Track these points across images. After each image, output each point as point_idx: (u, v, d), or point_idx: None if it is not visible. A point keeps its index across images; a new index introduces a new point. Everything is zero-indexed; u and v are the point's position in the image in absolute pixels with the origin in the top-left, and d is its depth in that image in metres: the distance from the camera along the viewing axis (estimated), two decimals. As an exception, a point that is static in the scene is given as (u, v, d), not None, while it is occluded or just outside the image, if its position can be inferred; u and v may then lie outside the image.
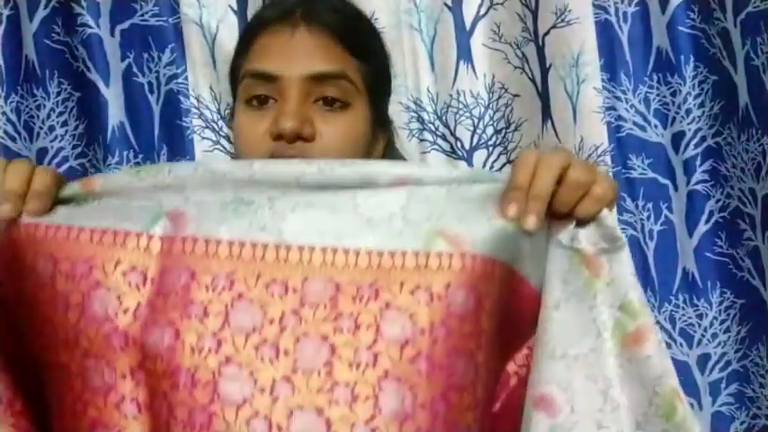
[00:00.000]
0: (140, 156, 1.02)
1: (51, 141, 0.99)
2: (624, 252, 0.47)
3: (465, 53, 1.01)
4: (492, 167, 1.01)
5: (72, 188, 0.51)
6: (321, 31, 0.65)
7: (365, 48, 0.68)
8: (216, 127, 1.02)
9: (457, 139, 1.02)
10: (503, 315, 0.47)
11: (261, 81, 0.64)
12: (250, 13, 1.01)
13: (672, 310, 0.99)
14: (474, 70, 1.01)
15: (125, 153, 1.01)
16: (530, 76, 1.01)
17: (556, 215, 0.47)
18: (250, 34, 0.69)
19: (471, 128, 1.01)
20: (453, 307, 0.45)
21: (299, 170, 0.48)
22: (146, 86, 1.03)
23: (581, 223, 0.47)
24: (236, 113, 0.67)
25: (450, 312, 0.45)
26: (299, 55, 0.64)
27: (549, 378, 0.45)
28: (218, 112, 1.02)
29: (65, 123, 1.00)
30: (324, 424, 0.43)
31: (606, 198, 0.48)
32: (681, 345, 0.99)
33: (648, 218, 1.00)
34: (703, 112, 0.97)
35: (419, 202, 0.47)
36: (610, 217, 0.47)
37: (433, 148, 1.02)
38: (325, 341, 0.45)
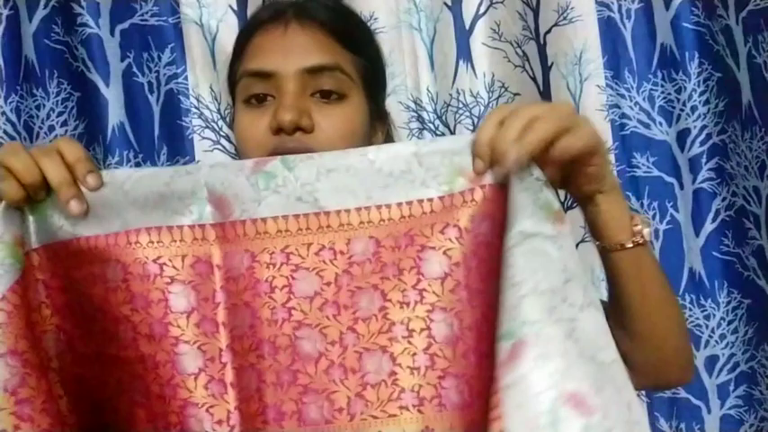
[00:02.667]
0: (140, 156, 1.02)
1: (51, 141, 0.98)
2: (547, 243, 0.48)
3: (465, 52, 1.01)
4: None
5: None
6: (313, 26, 0.66)
7: (357, 41, 0.69)
8: (216, 127, 1.02)
9: (458, 138, 1.02)
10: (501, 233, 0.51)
11: (258, 79, 0.65)
12: (250, 13, 1.01)
13: (678, 312, 0.98)
14: (474, 69, 1.01)
15: (125, 153, 1.01)
16: (530, 74, 1.01)
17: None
18: (244, 37, 0.70)
19: (471, 127, 1.01)
20: (480, 237, 0.50)
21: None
22: (146, 86, 1.03)
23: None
24: (235, 114, 0.68)
25: (479, 242, 0.50)
26: (293, 50, 0.65)
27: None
28: (218, 112, 1.02)
29: (64, 123, 1.00)
30: (389, 359, 0.50)
31: (572, 148, 0.49)
32: (688, 346, 0.97)
33: (654, 217, 0.99)
34: (708, 109, 0.97)
35: (428, 147, 0.51)
36: None
37: (435, 148, 1.02)
38: (376, 290, 0.51)
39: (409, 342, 0.50)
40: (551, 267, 0.47)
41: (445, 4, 1.01)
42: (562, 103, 0.52)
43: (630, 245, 0.54)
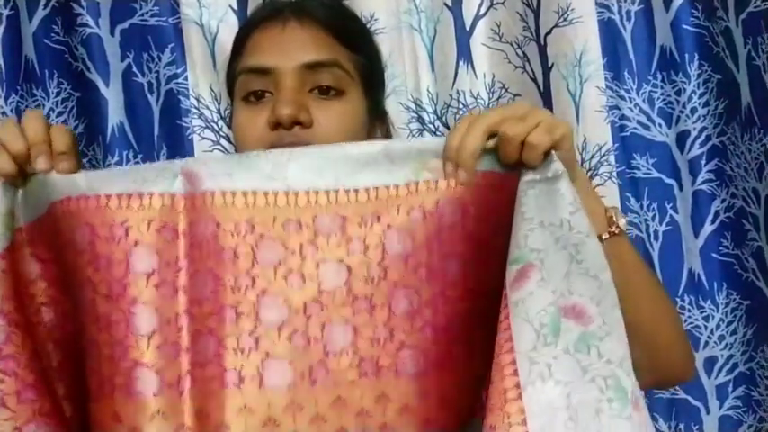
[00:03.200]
0: (140, 156, 1.02)
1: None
2: (560, 182, 0.52)
3: (465, 53, 1.01)
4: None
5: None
6: (311, 23, 0.67)
7: (355, 39, 0.69)
8: (216, 127, 1.02)
9: (458, 139, 1.01)
10: (496, 214, 0.54)
11: (256, 76, 0.65)
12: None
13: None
14: (474, 70, 1.01)
15: (125, 153, 1.01)
16: (531, 75, 1.01)
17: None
18: (242, 35, 0.70)
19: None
20: (444, 219, 0.53)
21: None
22: (146, 86, 1.03)
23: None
24: (234, 112, 0.68)
25: (443, 225, 0.52)
26: (292, 46, 0.65)
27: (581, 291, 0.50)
28: (218, 112, 1.02)
29: (65, 123, 1.00)
30: (351, 330, 0.52)
31: (542, 143, 0.51)
32: (687, 347, 0.97)
33: (653, 218, 0.99)
34: (708, 110, 0.97)
35: (398, 144, 0.56)
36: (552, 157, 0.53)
37: (435, 149, 1.02)
38: (341, 263, 0.52)
39: (370, 315, 0.52)
40: (560, 202, 0.51)
41: (445, 4, 1.01)
42: (524, 103, 0.57)
43: (607, 236, 0.57)
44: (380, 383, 0.51)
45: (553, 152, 0.52)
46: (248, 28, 0.70)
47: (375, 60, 0.73)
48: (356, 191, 0.53)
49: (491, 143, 0.53)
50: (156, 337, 0.51)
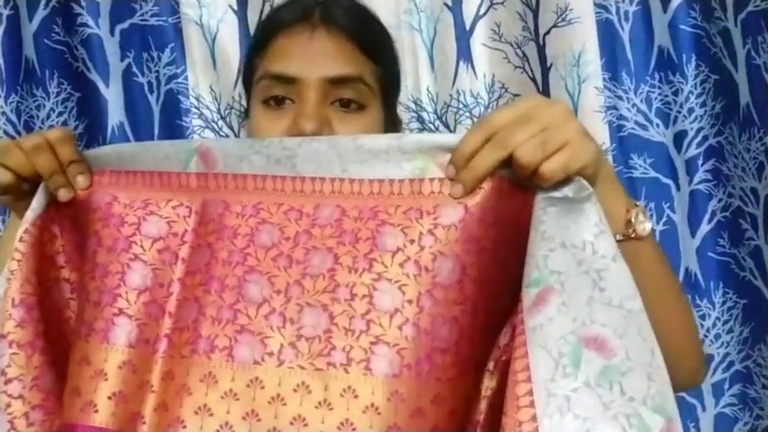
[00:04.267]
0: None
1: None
2: (586, 203, 0.49)
3: (465, 53, 1.01)
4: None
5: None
6: (339, 33, 0.66)
7: (380, 50, 0.69)
8: (216, 127, 1.02)
9: (457, 138, 1.02)
10: (501, 221, 0.52)
11: (279, 83, 0.65)
12: (250, 14, 1.01)
13: (674, 311, 0.98)
14: (474, 70, 1.01)
15: (125, 153, 1.01)
16: (530, 75, 1.01)
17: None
18: (268, 34, 0.69)
19: (472, 127, 1.01)
20: (440, 219, 0.52)
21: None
22: (146, 86, 1.03)
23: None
24: (251, 112, 0.68)
25: (437, 224, 0.51)
26: (318, 57, 0.65)
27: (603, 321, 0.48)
28: (218, 112, 1.02)
29: (65, 123, 1.00)
30: (328, 317, 0.51)
31: (553, 177, 0.48)
32: (683, 345, 0.98)
33: (651, 218, 0.99)
34: (705, 111, 0.97)
35: (411, 137, 0.54)
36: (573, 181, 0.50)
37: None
38: (330, 252, 0.53)
39: (350, 305, 0.51)
40: (585, 223, 0.49)
41: (445, 4, 1.01)
42: (557, 109, 0.51)
43: (620, 238, 0.54)
44: (349, 377, 0.50)
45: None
46: (274, 27, 0.69)
47: (394, 68, 0.73)
48: (361, 181, 0.53)
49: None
50: (146, 294, 0.54)
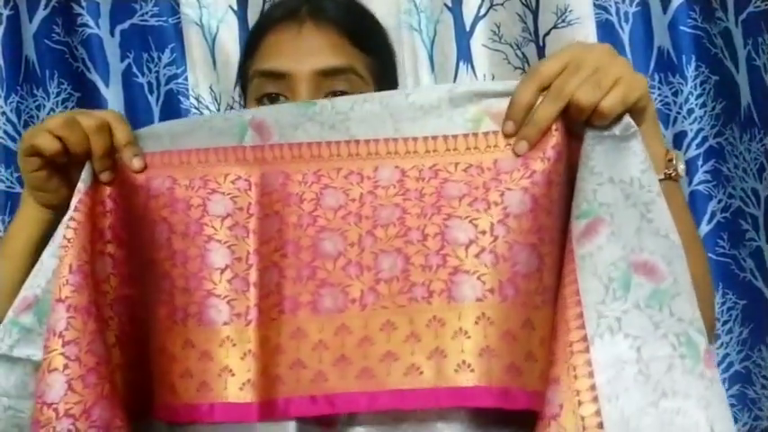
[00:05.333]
0: (140, 156, 1.02)
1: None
2: (632, 140, 0.51)
3: (465, 54, 1.01)
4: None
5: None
6: (328, 26, 0.66)
7: (371, 42, 0.69)
8: (216, 127, 1.02)
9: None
10: (560, 158, 0.53)
11: (271, 79, 0.66)
12: (250, 14, 1.01)
13: (674, 312, 0.98)
14: (474, 71, 1.01)
15: (125, 153, 1.01)
16: (530, 76, 1.01)
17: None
18: (258, 35, 0.70)
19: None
20: (502, 175, 0.53)
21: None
22: (146, 86, 1.03)
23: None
24: None
25: (499, 172, 0.53)
26: (308, 51, 0.65)
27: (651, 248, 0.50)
28: (218, 111, 1.02)
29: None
30: (403, 258, 0.53)
31: (613, 112, 0.50)
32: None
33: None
34: (705, 112, 0.97)
35: (463, 87, 0.55)
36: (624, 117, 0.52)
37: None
38: (397, 207, 0.54)
39: (423, 245, 0.52)
40: (632, 160, 0.51)
41: (445, 5, 1.01)
42: (601, 50, 0.52)
43: (661, 176, 0.55)
44: (432, 308, 0.51)
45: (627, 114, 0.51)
46: (263, 28, 0.69)
47: (389, 60, 0.73)
48: (415, 140, 0.54)
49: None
50: (228, 271, 0.55)
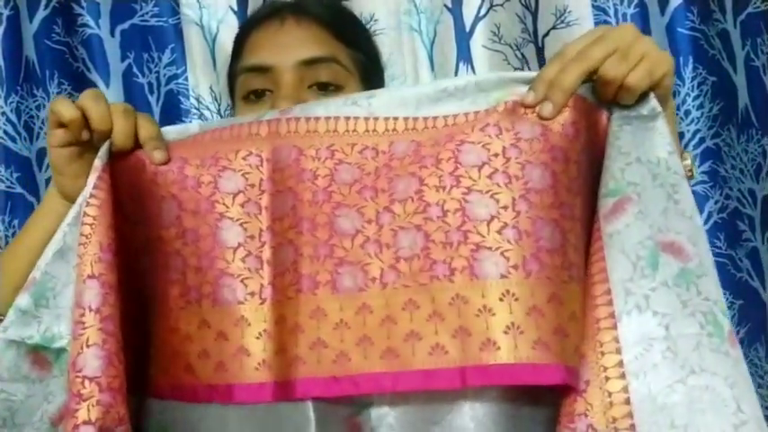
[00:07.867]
0: (140, 156, 1.02)
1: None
2: (658, 121, 0.52)
3: (465, 54, 1.01)
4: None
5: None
6: (309, 21, 0.68)
7: (353, 35, 0.71)
8: (216, 127, 1.03)
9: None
10: (582, 136, 0.53)
11: (255, 74, 0.67)
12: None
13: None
14: (474, 71, 1.01)
15: (125, 153, 1.01)
16: (529, 77, 1.01)
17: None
18: (241, 36, 0.72)
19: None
20: (521, 134, 0.51)
21: None
22: (146, 87, 1.03)
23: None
24: (235, 112, 0.69)
25: (519, 138, 0.51)
26: (290, 44, 0.66)
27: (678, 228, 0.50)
28: (218, 112, 1.02)
29: (65, 124, 1.00)
30: (423, 236, 0.51)
31: (639, 86, 0.50)
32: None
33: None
34: (702, 113, 0.98)
35: (491, 75, 0.56)
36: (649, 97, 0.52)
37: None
38: (413, 176, 0.52)
39: (443, 221, 0.51)
40: (659, 141, 0.51)
41: (445, 6, 1.01)
42: (626, 29, 0.52)
43: None
44: (455, 286, 0.50)
45: (651, 92, 0.51)
46: (247, 28, 0.71)
47: (373, 57, 0.74)
48: (435, 118, 0.54)
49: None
50: (241, 249, 0.54)
